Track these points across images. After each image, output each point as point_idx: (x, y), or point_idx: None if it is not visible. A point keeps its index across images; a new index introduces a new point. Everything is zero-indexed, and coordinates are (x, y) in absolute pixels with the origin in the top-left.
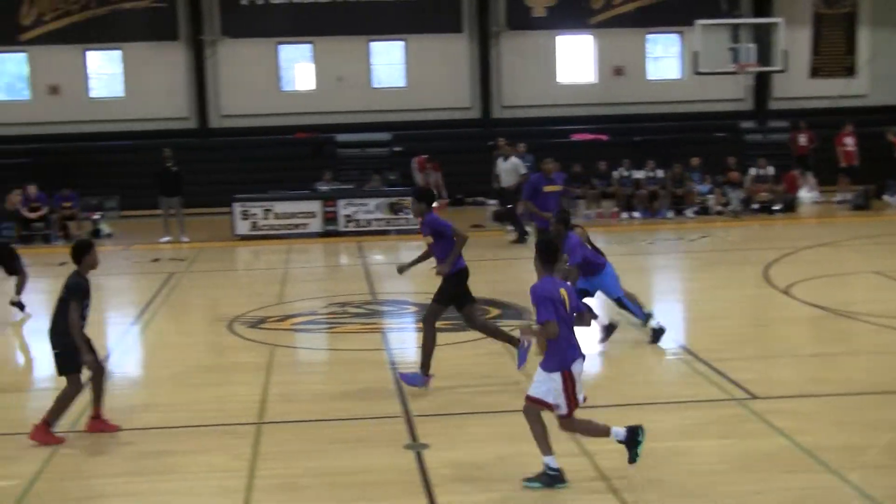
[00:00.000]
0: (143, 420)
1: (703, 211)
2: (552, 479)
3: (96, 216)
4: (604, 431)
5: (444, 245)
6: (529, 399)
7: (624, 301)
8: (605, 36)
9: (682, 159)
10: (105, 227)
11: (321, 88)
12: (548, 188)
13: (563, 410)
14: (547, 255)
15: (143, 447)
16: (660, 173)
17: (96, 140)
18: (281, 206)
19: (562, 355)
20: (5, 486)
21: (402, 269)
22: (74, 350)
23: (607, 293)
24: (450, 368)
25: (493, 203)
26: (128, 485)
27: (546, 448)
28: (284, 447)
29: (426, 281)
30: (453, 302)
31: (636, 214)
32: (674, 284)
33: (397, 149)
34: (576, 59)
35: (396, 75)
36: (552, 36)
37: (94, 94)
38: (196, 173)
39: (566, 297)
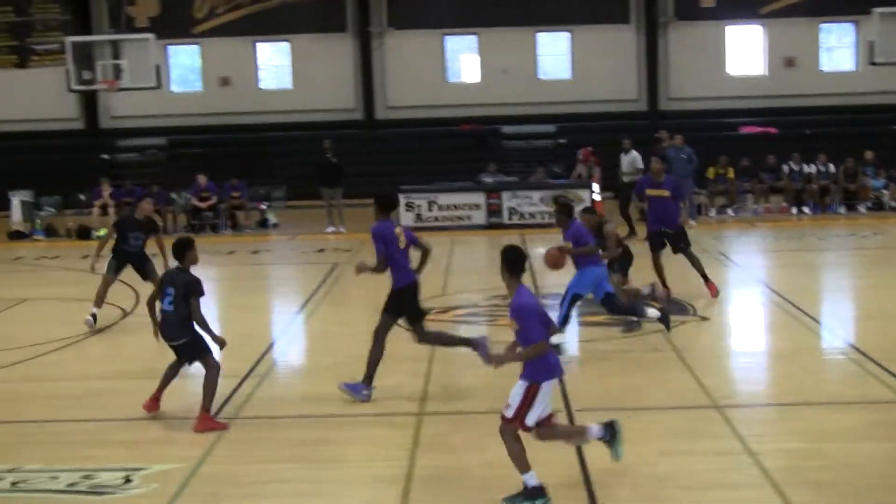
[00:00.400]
0: (306, 409)
1: (877, 206)
2: (533, 494)
3: (263, 206)
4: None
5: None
6: (505, 419)
7: (567, 299)
8: (776, 26)
9: (856, 153)
10: (272, 217)
11: (486, 80)
12: (652, 192)
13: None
14: (513, 265)
15: (305, 435)
16: (831, 167)
17: (265, 131)
18: (445, 198)
19: (541, 367)
20: (175, 469)
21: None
22: (200, 337)
23: (570, 285)
24: (615, 362)
25: None
26: (289, 471)
27: (524, 467)
28: (444, 439)
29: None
30: (402, 314)
31: (806, 210)
32: (844, 282)
33: (562, 141)
34: (745, 50)
35: (562, 67)
36: (721, 26)
37: (263, 85)
38: (362, 164)
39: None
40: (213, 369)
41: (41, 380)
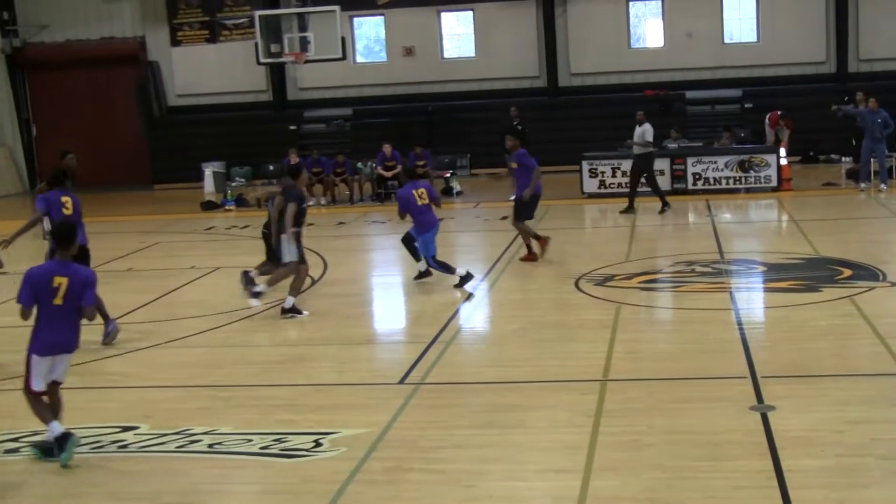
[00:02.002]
0: (490, 374)
1: None
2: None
3: (447, 174)
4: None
5: None
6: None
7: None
8: None
9: None
10: (456, 185)
11: (670, 45)
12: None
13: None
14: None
15: (491, 400)
16: None
17: (448, 100)
18: (629, 164)
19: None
20: (362, 434)
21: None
22: None
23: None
24: (801, 329)
25: (847, 160)
26: (475, 437)
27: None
28: (628, 405)
29: (775, 240)
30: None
31: None
32: None
33: (748, 105)
34: None
35: (748, 30)
36: None
37: (447, 54)
38: (545, 132)
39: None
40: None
41: (235, 346)
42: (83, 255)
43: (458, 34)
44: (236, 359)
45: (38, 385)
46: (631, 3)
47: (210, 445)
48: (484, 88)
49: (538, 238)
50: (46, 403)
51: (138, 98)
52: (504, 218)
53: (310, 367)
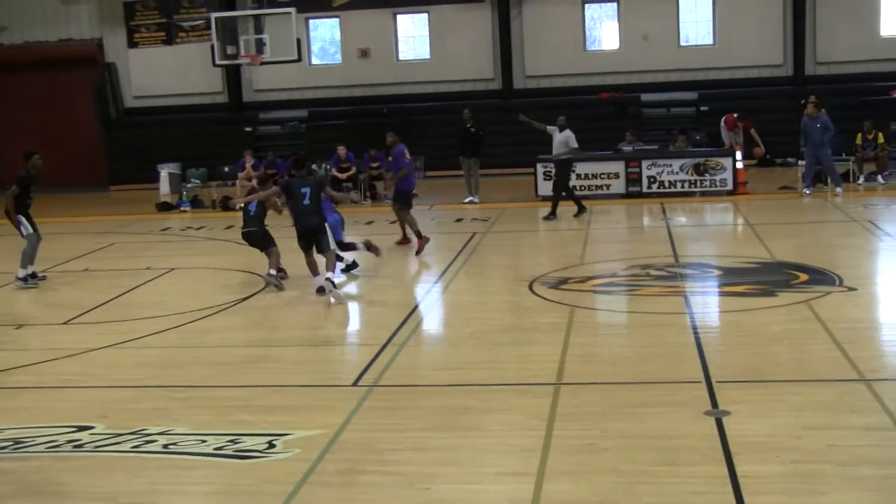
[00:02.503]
0: (445, 377)
1: None
2: None
3: None
4: None
5: None
6: None
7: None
8: None
9: None
10: None
11: (626, 47)
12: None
13: None
14: None
15: (446, 403)
16: None
17: (403, 102)
18: (584, 167)
19: None
20: (316, 435)
21: None
22: None
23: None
24: (757, 334)
25: (802, 164)
26: (430, 440)
27: None
28: (583, 408)
29: (731, 244)
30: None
31: None
32: None
33: (704, 108)
34: None
35: (704, 33)
36: None
37: (402, 56)
38: (500, 134)
39: None
40: None
41: (191, 346)
42: None
43: (413, 36)
44: (193, 359)
45: None
46: (587, 6)
47: (165, 446)
48: (439, 91)
49: (420, 235)
50: None
51: (95, 99)
52: (459, 220)
53: (266, 367)
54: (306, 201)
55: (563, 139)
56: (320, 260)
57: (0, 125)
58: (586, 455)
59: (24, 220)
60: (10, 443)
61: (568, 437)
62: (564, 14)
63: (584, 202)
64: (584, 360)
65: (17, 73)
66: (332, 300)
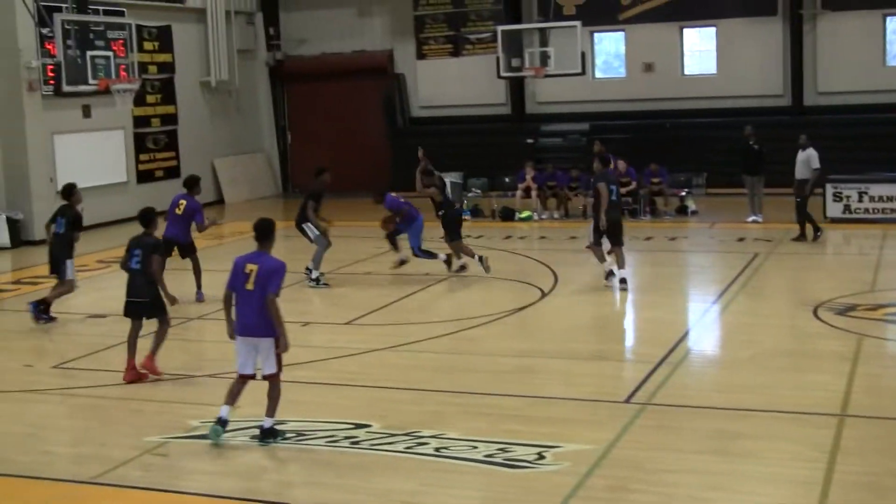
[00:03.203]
0: (719, 400)
1: None
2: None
3: (683, 192)
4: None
5: None
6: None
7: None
8: None
9: None
10: (691, 204)
11: None
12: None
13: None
14: None
15: (719, 426)
16: None
17: (686, 117)
18: (878, 189)
19: None
20: (586, 450)
21: None
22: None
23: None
24: None
25: None
26: (700, 462)
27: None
28: (868, 444)
29: None
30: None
31: None
32: None
33: None
34: None
35: None
36: (878, 15)
37: (687, 70)
38: (788, 152)
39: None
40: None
41: (463, 353)
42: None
43: (699, 50)
44: (464, 365)
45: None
46: (888, 18)
47: (437, 449)
48: (724, 106)
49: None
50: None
51: (384, 109)
52: (740, 240)
53: (537, 378)
54: (613, 196)
55: (804, 158)
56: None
57: (298, 131)
58: (870, 494)
59: (310, 225)
60: (294, 434)
61: (850, 472)
62: (862, 27)
63: (875, 226)
64: (871, 393)
65: (313, 83)
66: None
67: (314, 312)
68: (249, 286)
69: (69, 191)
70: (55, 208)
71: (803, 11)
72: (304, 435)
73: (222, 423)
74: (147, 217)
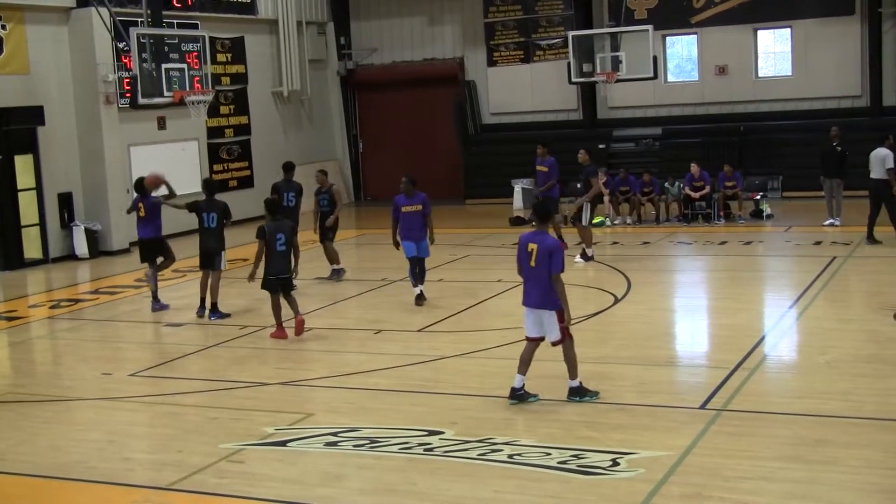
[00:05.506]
0: (798, 406)
1: None
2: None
3: (758, 196)
4: None
5: None
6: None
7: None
8: None
9: None
10: (766, 208)
11: None
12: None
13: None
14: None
15: (798, 433)
16: None
17: (761, 120)
18: None
19: None
20: (661, 456)
21: None
22: None
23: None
24: None
25: None
26: (781, 470)
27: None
28: None
29: None
30: None
31: None
32: None
33: None
34: None
35: None
36: None
37: (761, 73)
38: (866, 154)
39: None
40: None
41: (539, 359)
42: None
43: (774, 52)
44: (537, 372)
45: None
46: None
47: (510, 456)
48: (800, 108)
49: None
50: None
51: (456, 116)
52: (817, 243)
53: (611, 385)
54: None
55: (879, 158)
56: None
57: (369, 140)
58: None
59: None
60: (367, 441)
61: None
62: None
63: None
64: None
65: (385, 92)
66: None
67: (386, 319)
68: (532, 263)
69: (213, 186)
70: (202, 203)
71: (882, 10)
72: (378, 442)
73: (517, 393)
74: (273, 205)
